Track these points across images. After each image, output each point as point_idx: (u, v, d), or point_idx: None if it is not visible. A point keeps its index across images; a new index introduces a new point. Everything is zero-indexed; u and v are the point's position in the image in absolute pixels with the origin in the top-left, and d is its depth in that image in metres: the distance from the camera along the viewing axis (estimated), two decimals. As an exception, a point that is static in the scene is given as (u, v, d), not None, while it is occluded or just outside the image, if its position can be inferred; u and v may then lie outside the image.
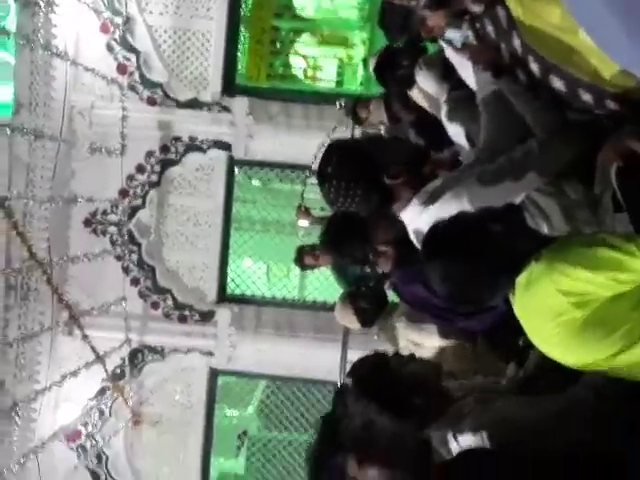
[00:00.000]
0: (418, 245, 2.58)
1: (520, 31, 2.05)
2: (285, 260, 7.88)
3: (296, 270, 8.00)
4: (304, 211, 6.35)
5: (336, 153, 2.65)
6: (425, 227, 2.22)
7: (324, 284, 7.53)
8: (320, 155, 2.74)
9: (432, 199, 2.52)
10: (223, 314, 7.05)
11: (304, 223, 6.48)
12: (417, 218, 2.58)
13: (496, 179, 2.31)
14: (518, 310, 1.91)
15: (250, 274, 8.20)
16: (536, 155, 2.24)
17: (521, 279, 1.85)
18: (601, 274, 1.69)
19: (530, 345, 2.13)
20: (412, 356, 2.46)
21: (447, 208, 2.31)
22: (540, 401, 2.04)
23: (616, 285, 1.69)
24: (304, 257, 5.67)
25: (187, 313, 7.11)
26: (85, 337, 6.08)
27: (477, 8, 2.34)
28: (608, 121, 1.93)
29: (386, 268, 3.39)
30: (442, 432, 2.11)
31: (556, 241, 1.91)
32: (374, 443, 1.78)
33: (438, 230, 2.08)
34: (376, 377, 2.19)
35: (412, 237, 2.66)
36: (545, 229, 2.27)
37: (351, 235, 3.31)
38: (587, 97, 1.90)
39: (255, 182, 8.04)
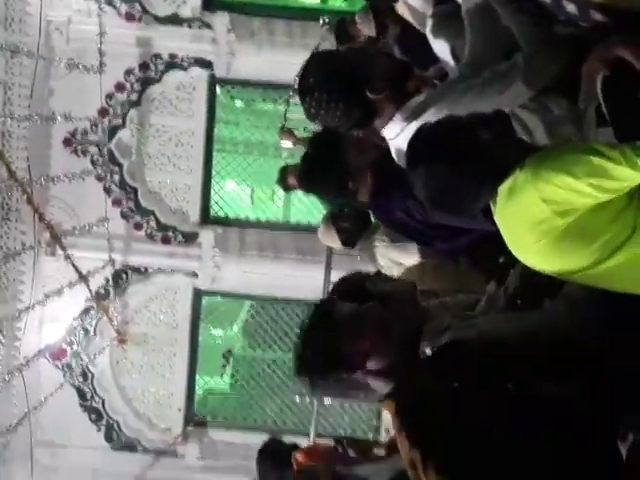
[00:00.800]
0: (399, 162, 2.55)
1: None
2: (269, 183, 7.83)
3: (281, 193, 8.00)
4: (287, 132, 6.27)
5: (318, 64, 2.56)
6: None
7: (308, 206, 7.52)
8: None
9: (415, 115, 2.47)
10: (207, 235, 7.05)
11: (287, 144, 6.41)
12: (399, 134, 2.54)
13: (480, 93, 2.26)
14: (499, 218, 1.89)
15: (234, 196, 8.17)
16: (521, 68, 2.18)
17: (504, 187, 1.82)
18: (585, 181, 1.66)
19: (511, 264, 2.12)
20: (388, 277, 2.48)
21: None
22: (518, 317, 2.03)
23: (599, 194, 1.67)
24: (287, 178, 5.63)
25: (170, 234, 7.10)
26: (67, 257, 6.04)
27: None
28: (593, 33, 1.88)
29: (364, 197, 3.34)
30: (421, 347, 2.13)
31: (541, 150, 1.88)
32: (365, 323, 1.88)
33: (423, 132, 2.04)
34: (355, 294, 2.20)
35: (394, 154, 2.63)
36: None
37: (326, 172, 3.23)
38: (571, 7, 1.84)
39: (238, 103, 7.91)
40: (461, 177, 1.91)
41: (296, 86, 2.88)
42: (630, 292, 1.76)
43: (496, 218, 1.92)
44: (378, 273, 3.64)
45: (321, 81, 2.45)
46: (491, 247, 2.30)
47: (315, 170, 3.24)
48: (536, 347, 1.72)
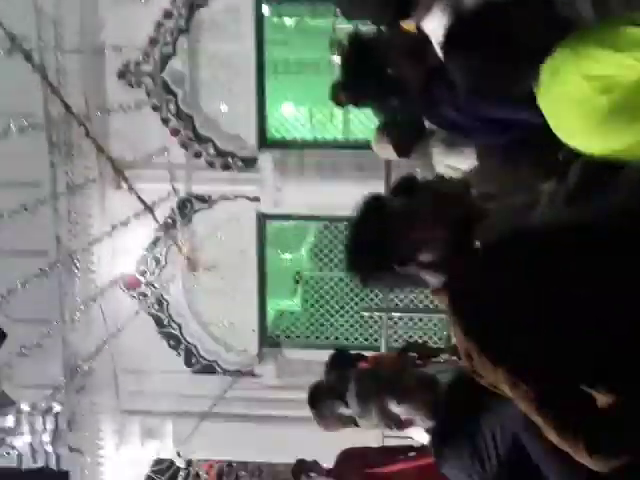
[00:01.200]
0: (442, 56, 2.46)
1: None
2: (326, 102, 7.70)
3: (339, 112, 7.88)
4: (339, 45, 6.12)
5: None
6: None
7: (366, 124, 7.38)
8: None
9: (453, 3, 2.37)
10: (266, 159, 7.05)
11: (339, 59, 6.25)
12: (439, 26, 2.43)
13: None
14: (542, 102, 1.83)
15: (291, 119, 8.10)
16: None
17: (545, 67, 1.77)
18: (627, 54, 1.60)
19: (570, 160, 2.05)
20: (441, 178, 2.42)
21: None
22: (575, 210, 1.97)
23: None
24: (339, 93, 5.51)
25: (230, 160, 7.14)
26: (131, 188, 6.17)
27: None
28: None
29: (413, 92, 3.24)
30: (474, 244, 2.08)
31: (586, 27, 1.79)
32: (417, 214, 1.85)
33: (462, 18, 1.97)
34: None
35: (435, 46, 2.53)
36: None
37: (364, 74, 3.12)
38: None
39: (287, 21, 7.75)
40: (499, 59, 1.85)
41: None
42: None
43: (540, 102, 1.85)
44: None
45: None
46: (548, 143, 2.21)
47: (354, 73, 3.16)
48: (588, 238, 1.65)
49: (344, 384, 3.02)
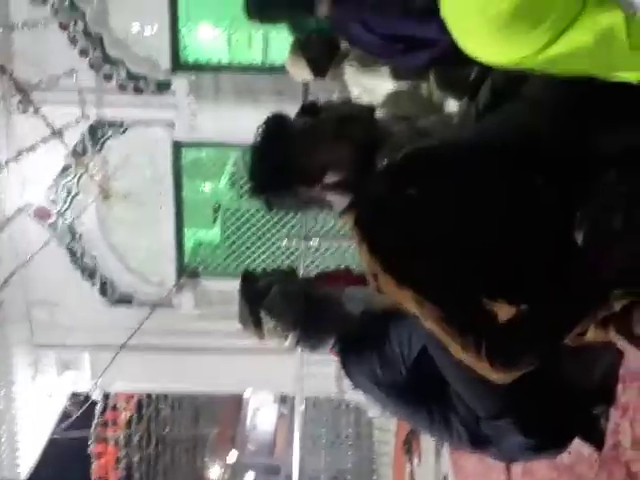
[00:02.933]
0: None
1: None
2: (245, 24, 7.49)
3: (258, 35, 7.68)
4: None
5: None
6: None
7: (286, 47, 7.21)
8: None
9: None
10: (180, 83, 6.83)
11: None
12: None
13: None
14: (444, 8, 1.76)
15: (207, 41, 7.84)
16: None
17: None
18: None
19: (481, 80, 2.07)
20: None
21: None
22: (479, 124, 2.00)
23: None
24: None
25: (142, 84, 6.89)
26: (37, 110, 5.90)
27: None
28: None
29: (324, 11, 3.20)
30: (379, 161, 2.08)
31: None
32: (321, 135, 1.85)
33: None
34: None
35: None
36: None
37: None
38: None
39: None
40: None
41: None
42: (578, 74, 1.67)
43: (442, 9, 1.79)
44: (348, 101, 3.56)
45: None
46: (458, 63, 2.20)
47: None
48: (494, 146, 1.67)
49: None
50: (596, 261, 1.54)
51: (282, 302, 2.30)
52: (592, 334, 1.63)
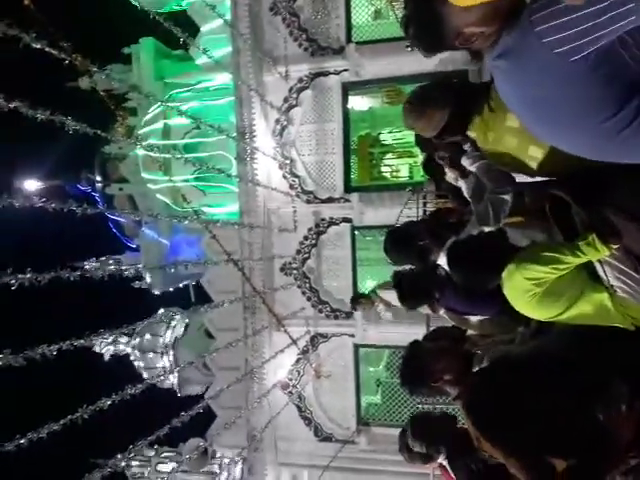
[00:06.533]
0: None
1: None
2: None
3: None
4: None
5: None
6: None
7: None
8: None
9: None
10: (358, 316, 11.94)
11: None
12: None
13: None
14: (505, 291, 2.64)
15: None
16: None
17: (504, 274, 2.64)
18: (548, 267, 2.41)
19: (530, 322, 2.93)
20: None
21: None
22: (533, 344, 2.77)
23: (558, 271, 2.41)
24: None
25: (337, 313, 12.13)
26: (285, 330, 11.07)
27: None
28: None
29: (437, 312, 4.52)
30: (474, 366, 3.35)
31: (521, 250, 2.68)
32: (439, 355, 3.41)
33: (457, 247, 3.30)
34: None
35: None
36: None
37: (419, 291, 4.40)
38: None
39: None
40: (480, 269, 2.94)
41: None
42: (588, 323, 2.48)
43: (505, 292, 2.68)
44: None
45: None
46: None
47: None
48: (541, 357, 2.32)
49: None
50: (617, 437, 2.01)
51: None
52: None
